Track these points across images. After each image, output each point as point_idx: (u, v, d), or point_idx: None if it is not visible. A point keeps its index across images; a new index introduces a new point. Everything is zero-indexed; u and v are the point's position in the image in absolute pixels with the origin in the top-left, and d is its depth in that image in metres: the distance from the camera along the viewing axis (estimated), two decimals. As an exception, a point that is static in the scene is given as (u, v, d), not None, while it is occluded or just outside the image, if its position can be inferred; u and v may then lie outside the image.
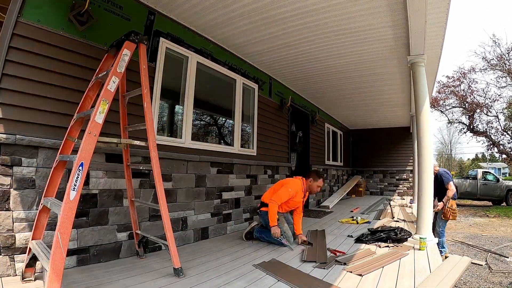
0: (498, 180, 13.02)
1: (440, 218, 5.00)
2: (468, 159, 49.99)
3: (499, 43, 15.65)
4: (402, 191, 11.56)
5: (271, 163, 5.71)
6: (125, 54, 2.38)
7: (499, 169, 39.30)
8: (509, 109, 16.24)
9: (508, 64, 15.39)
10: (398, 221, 5.35)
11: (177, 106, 4.26)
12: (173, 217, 3.55)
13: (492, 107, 16.88)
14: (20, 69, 2.35)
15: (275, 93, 6.06)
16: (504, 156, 18.30)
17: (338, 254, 3.27)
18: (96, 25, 2.82)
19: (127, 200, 3.04)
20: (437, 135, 45.56)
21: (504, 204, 12.72)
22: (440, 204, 4.89)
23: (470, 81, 17.06)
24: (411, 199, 8.50)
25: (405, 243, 3.74)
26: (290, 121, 6.71)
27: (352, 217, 5.87)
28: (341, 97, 7.48)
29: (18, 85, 2.34)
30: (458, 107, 18.23)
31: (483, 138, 17.65)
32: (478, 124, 17.71)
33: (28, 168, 2.37)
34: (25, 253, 2.30)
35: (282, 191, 3.75)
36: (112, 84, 2.22)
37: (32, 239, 2.17)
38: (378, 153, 12.20)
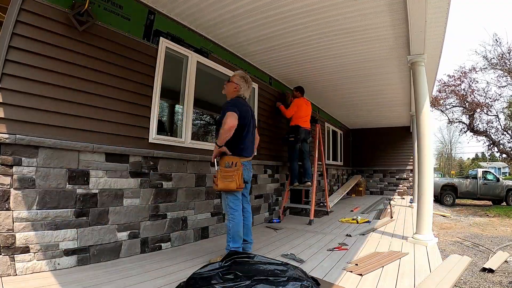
0: (498, 180, 13.02)
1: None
2: (468, 158, 50.02)
3: (500, 42, 15.55)
4: (402, 190, 11.57)
5: (272, 162, 5.71)
6: None
7: (499, 168, 39.32)
8: (510, 109, 16.22)
9: (509, 63, 15.37)
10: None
11: (177, 106, 4.26)
12: (173, 216, 3.55)
13: (492, 107, 16.87)
14: (20, 68, 2.35)
15: (276, 92, 6.05)
16: (504, 155, 18.28)
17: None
18: (96, 25, 2.82)
19: (127, 199, 3.05)
20: (437, 135, 45.63)
21: (504, 203, 12.72)
22: None
23: (470, 81, 17.04)
24: (411, 199, 8.51)
25: (405, 242, 3.74)
26: (290, 120, 6.69)
27: (352, 216, 5.88)
28: (341, 97, 7.48)
29: (18, 84, 2.34)
30: (458, 106, 18.21)
31: (483, 137, 17.63)
32: (478, 124, 17.70)
33: (28, 167, 2.37)
34: (25, 252, 2.31)
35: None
36: None
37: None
38: (378, 153, 12.20)
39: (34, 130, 2.41)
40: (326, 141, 9.29)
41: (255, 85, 5.34)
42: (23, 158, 2.34)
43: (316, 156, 5.97)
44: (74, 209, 2.63)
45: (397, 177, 11.82)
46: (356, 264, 2.88)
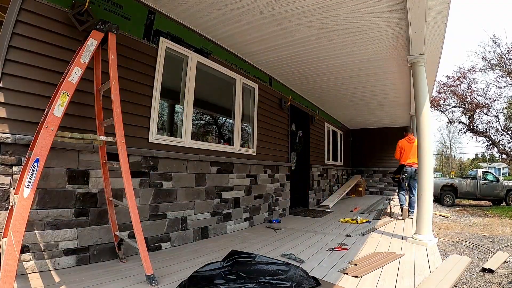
0: (498, 180, 13.02)
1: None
2: (468, 159, 50.00)
3: (499, 43, 15.53)
4: (402, 191, 11.55)
5: (271, 162, 5.71)
6: (91, 43, 2.23)
7: (499, 169, 39.31)
8: (509, 109, 16.22)
9: (508, 64, 15.37)
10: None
11: (177, 106, 4.26)
12: (172, 216, 3.55)
13: (492, 107, 16.85)
14: (20, 68, 2.35)
15: (275, 93, 6.06)
16: (504, 156, 18.27)
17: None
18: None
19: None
20: (437, 135, 45.62)
21: (504, 204, 12.72)
22: None
23: (470, 81, 17.04)
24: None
25: (406, 242, 3.74)
26: (290, 120, 6.71)
27: (352, 216, 5.88)
28: (341, 97, 7.48)
29: (18, 84, 2.34)
30: (458, 107, 18.21)
31: (483, 138, 17.62)
32: (478, 124, 17.69)
33: (28, 167, 2.36)
34: (25, 252, 2.31)
35: None
36: (74, 75, 2.08)
37: (2, 237, 2.09)
38: (378, 153, 12.19)
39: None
40: (326, 141, 9.30)
41: (255, 85, 5.34)
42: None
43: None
44: (74, 209, 2.63)
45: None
46: (355, 264, 2.87)
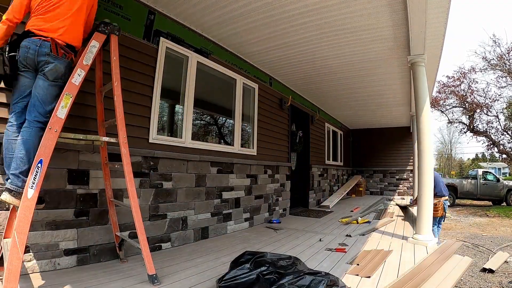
0: (498, 180, 13.02)
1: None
2: (468, 159, 50.01)
3: (499, 43, 15.53)
4: (402, 190, 11.57)
5: (271, 162, 5.71)
6: (93, 45, 2.23)
7: (499, 169, 39.30)
8: (509, 109, 16.22)
9: (508, 64, 15.36)
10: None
11: (177, 106, 4.26)
12: (173, 216, 3.55)
13: (492, 107, 16.85)
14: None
15: (275, 93, 6.06)
16: (504, 156, 18.27)
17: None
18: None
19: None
20: (437, 135, 45.64)
21: (504, 204, 12.72)
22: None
23: (470, 81, 17.04)
24: (411, 199, 8.50)
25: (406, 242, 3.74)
26: (290, 120, 6.71)
27: (352, 216, 5.88)
28: (341, 97, 7.48)
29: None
30: (458, 107, 18.21)
31: (483, 138, 17.62)
32: (478, 124, 17.69)
33: (28, 167, 2.36)
34: (25, 252, 2.30)
35: None
36: (77, 77, 2.08)
37: (4, 238, 2.06)
38: (378, 153, 12.20)
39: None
40: (326, 141, 9.30)
41: (255, 85, 5.34)
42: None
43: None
44: (74, 209, 2.63)
45: (397, 177, 11.82)
46: (357, 264, 2.88)
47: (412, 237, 3.83)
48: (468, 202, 14.14)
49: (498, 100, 16.54)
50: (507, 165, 34.29)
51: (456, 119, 18.83)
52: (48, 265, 2.44)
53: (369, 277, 2.55)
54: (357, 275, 2.59)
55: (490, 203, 13.36)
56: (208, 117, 6.28)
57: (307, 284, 1.91)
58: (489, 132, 17.18)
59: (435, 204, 4.73)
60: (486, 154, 38.14)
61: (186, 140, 3.82)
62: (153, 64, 3.41)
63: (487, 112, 17.07)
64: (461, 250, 6.01)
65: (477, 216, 10.55)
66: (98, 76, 2.69)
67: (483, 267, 4.78)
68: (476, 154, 49.25)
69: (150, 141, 3.33)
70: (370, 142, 12.31)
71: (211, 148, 4.27)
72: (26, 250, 2.32)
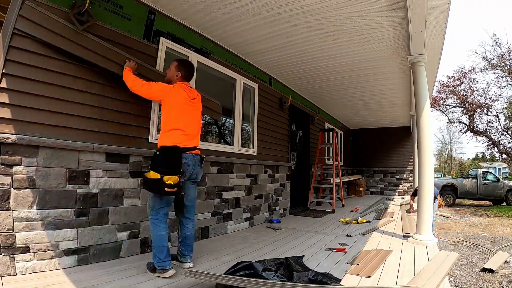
0: (498, 180, 13.02)
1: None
2: (468, 158, 49.97)
3: (499, 43, 15.53)
4: (402, 190, 11.57)
5: (272, 162, 5.71)
6: None
7: (499, 169, 39.28)
8: (509, 109, 16.21)
9: (509, 64, 15.36)
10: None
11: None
12: (172, 216, 3.55)
13: (492, 107, 16.85)
14: (20, 68, 2.35)
15: (275, 93, 6.06)
16: (504, 156, 18.27)
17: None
18: (96, 25, 2.82)
19: (127, 199, 3.05)
20: (437, 135, 45.61)
21: (504, 204, 12.72)
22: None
23: (470, 81, 17.04)
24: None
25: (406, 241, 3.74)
26: (290, 120, 6.70)
27: (352, 216, 5.88)
28: (341, 97, 7.48)
29: (18, 84, 2.34)
30: (458, 107, 18.21)
31: (483, 137, 17.62)
32: (478, 124, 17.69)
33: (29, 167, 2.36)
34: (25, 252, 2.31)
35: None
36: None
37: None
38: (378, 153, 12.20)
39: (35, 130, 2.41)
40: (326, 141, 9.29)
41: (255, 85, 5.34)
42: (23, 158, 2.34)
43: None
44: (74, 209, 2.62)
45: (397, 177, 11.83)
46: (357, 264, 2.88)
47: (412, 237, 3.83)
48: (468, 202, 14.14)
49: (498, 100, 16.55)
50: (507, 165, 34.26)
51: (456, 119, 18.84)
52: (48, 265, 2.43)
53: (369, 277, 2.55)
54: (357, 275, 2.59)
55: (490, 203, 13.36)
56: (208, 117, 6.28)
57: None
58: (489, 132, 17.18)
59: None
60: (486, 154, 38.13)
61: (186, 140, 3.81)
62: (153, 64, 3.41)
63: (487, 112, 17.07)
64: (461, 250, 6.01)
65: (477, 216, 10.55)
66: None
67: (483, 267, 4.78)
68: (476, 154, 49.23)
69: (150, 141, 3.32)
70: (370, 142, 12.31)
71: (211, 148, 4.27)
72: (26, 250, 2.32)
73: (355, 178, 10.88)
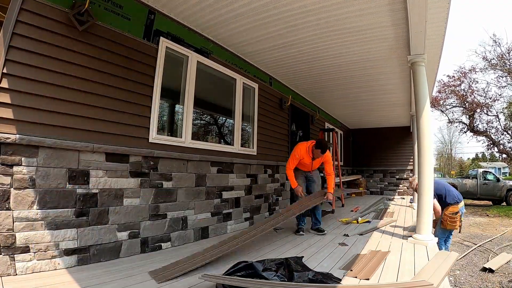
0: (498, 180, 13.02)
1: (439, 226, 4.30)
2: (468, 158, 50.01)
3: (499, 43, 15.56)
4: (402, 190, 11.57)
5: (272, 162, 5.71)
6: None
7: (499, 168, 39.32)
8: (509, 109, 16.22)
9: (509, 63, 15.37)
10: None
11: (177, 106, 4.26)
12: (173, 216, 3.55)
13: (492, 107, 16.88)
14: (20, 68, 2.35)
15: (275, 92, 6.06)
16: (504, 155, 18.30)
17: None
18: (96, 25, 2.82)
19: (127, 199, 3.05)
20: (437, 135, 45.64)
21: (504, 203, 12.72)
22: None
23: (470, 81, 17.06)
24: (411, 199, 8.50)
25: (406, 241, 3.74)
26: (290, 120, 6.71)
27: (352, 216, 5.87)
28: (342, 96, 7.48)
29: (18, 84, 2.34)
30: (458, 106, 18.23)
31: (483, 137, 17.64)
32: (478, 124, 17.71)
33: (29, 167, 2.37)
34: (25, 252, 2.31)
35: (290, 157, 4.35)
36: None
37: None
38: (378, 153, 12.20)
39: (35, 130, 2.41)
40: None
41: (255, 85, 5.34)
42: (23, 158, 2.34)
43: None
44: (74, 209, 2.63)
45: (397, 177, 11.82)
46: (357, 266, 2.87)
47: (412, 237, 3.83)
48: (468, 201, 14.13)
49: (498, 100, 16.58)
50: (507, 165, 34.28)
51: (456, 119, 18.86)
52: (48, 265, 2.44)
53: (367, 279, 2.55)
54: (356, 277, 2.59)
55: (490, 202, 13.36)
56: (208, 117, 6.28)
57: None
58: (489, 131, 17.20)
59: (454, 213, 4.07)
60: (486, 154, 38.15)
61: (186, 140, 3.82)
62: (153, 64, 3.41)
63: (487, 111, 17.09)
64: (461, 249, 6.01)
65: (477, 216, 10.55)
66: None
67: (483, 267, 4.78)
68: (476, 154, 49.27)
69: (150, 141, 3.33)
70: (370, 142, 12.31)
71: (211, 148, 4.27)
72: (26, 250, 2.32)
73: (355, 178, 10.88)
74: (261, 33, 4.04)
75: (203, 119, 6.27)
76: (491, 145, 17.77)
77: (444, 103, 18.46)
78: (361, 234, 4.31)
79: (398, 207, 7.56)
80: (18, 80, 2.34)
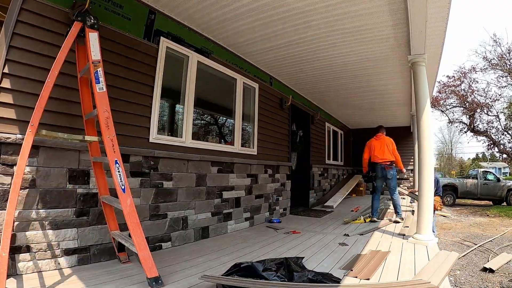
0: (498, 180, 13.00)
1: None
2: (469, 158, 49.94)
3: (499, 43, 15.51)
4: (402, 190, 11.54)
5: (272, 162, 5.71)
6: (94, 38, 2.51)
7: (500, 168, 39.28)
8: (510, 109, 16.20)
9: (509, 63, 15.34)
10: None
11: (177, 105, 4.26)
12: (173, 216, 3.55)
13: (492, 107, 16.84)
14: (21, 68, 2.35)
15: (276, 92, 6.06)
16: (504, 155, 18.26)
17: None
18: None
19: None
20: (438, 135, 45.57)
21: (504, 203, 12.70)
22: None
23: (470, 81, 17.02)
24: (411, 199, 8.49)
25: (407, 241, 3.74)
26: (291, 120, 6.70)
27: (353, 216, 5.87)
28: (342, 97, 7.48)
29: (18, 84, 2.34)
30: (458, 106, 18.20)
31: (484, 137, 17.61)
32: (478, 124, 17.68)
33: (29, 167, 2.37)
34: (26, 252, 2.32)
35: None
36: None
37: (110, 230, 2.68)
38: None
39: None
40: (327, 141, 9.30)
41: (256, 85, 5.34)
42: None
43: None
44: (74, 209, 2.63)
45: (397, 177, 11.79)
46: (358, 264, 2.87)
47: (413, 237, 3.83)
48: (469, 201, 14.13)
49: (498, 100, 16.54)
50: (507, 165, 34.26)
51: (457, 119, 18.83)
52: (48, 265, 2.44)
53: (368, 279, 2.55)
54: (356, 277, 2.59)
55: (491, 202, 13.34)
56: (209, 117, 6.27)
57: None
58: (490, 132, 17.17)
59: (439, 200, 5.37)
60: (487, 154, 38.13)
61: (186, 139, 3.82)
62: (154, 63, 3.41)
63: (488, 112, 17.06)
64: (461, 250, 6.01)
65: (478, 216, 10.54)
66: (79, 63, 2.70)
67: (484, 267, 4.77)
68: (477, 154, 49.20)
69: (150, 141, 3.33)
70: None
71: (212, 148, 4.27)
72: (26, 250, 2.32)
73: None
74: (261, 33, 4.03)
75: (204, 119, 6.27)
76: (492, 145, 17.75)
77: (444, 103, 18.43)
78: (362, 234, 4.31)
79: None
80: (18, 80, 2.34)
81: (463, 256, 5.54)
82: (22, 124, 2.34)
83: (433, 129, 38.24)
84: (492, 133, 17.13)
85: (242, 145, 4.96)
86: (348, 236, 4.21)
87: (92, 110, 2.65)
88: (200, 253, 3.28)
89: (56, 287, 2.16)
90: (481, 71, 16.45)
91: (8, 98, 2.29)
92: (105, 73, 2.86)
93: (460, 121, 18.71)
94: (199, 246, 3.61)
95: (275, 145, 5.92)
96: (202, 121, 6.17)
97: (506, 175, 36.16)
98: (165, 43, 3.54)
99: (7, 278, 2.10)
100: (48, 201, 2.46)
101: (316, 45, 4.38)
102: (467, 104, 17.42)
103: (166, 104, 4.52)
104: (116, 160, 2.32)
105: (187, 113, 3.86)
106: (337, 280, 2.42)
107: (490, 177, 13.15)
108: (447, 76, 19.35)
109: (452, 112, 18.72)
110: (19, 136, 2.30)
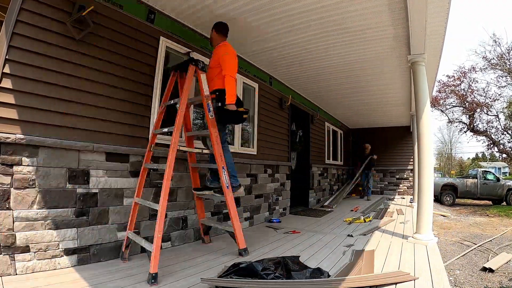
0: (498, 180, 13.00)
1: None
2: (468, 158, 50.00)
3: (499, 42, 15.52)
4: (402, 190, 11.56)
5: (272, 162, 5.71)
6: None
7: (499, 168, 39.33)
8: (510, 109, 16.20)
9: (509, 63, 15.35)
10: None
11: (177, 105, 4.26)
12: (173, 216, 3.55)
13: (492, 107, 16.85)
14: (20, 68, 2.35)
15: (276, 92, 6.05)
16: (504, 155, 18.28)
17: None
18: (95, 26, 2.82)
19: (127, 199, 3.05)
20: (437, 134, 45.57)
21: (504, 203, 12.71)
22: None
23: (470, 81, 17.04)
24: (411, 199, 8.51)
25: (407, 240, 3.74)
26: (290, 120, 6.71)
27: (354, 216, 5.88)
28: (342, 96, 7.48)
29: (18, 84, 2.34)
30: (458, 106, 18.21)
31: (483, 137, 17.62)
32: (478, 124, 17.69)
33: (29, 167, 2.37)
34: (25, 252, 2.32)
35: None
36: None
37: (128, 230, 2.87)
38: (378, 152, 12.15)
39: (35, 129, 2.41)
40: (327, 141, 9.30)
41: (255, 85, 5.34)
42: (23, 158, 2.34)
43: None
44: (74, 209, 2.63)
45: (397, 177, 11.81)
46: (357, 264, 2.87)
47: (412, 237, 3.83)
48: (468, 201, 14.13)
49: (498, 99, 16.55)
50: (507, 165, 34.29)
51: (456, 119, 18.85)
52: (48, 265, 2.44)
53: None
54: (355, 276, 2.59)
55: (490, 202, 13.35)
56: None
57: None
58: (489, 131, 17.18)
59: None
60: (486, 154, 38.13)
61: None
62: (153, 63, 3.41)
63: (487, 111, 17.08)
64: (461, 249, 6.01)
65: (477, 216, 10.54)
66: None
67: (483, 266, 4.78)
68: (476, 154, 49.26)
69: (150, 141, 3.32)
70: (370, 142, 12.23)
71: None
72: (26, 250, 2.32)
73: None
74: (261, 32, 4.03)
75: (201, 118, 6.27)
76: (491, 145, 17.76)
77: (444, 102, 18.44)
78: (362, 234, 4.31)
79: (398, 207, 7.56)
80: (18, 79, 2.34)
81: (463, 255, 5.55)
82: (22, 124, 2.34)
83: (433, 128, 38.26)
84: (492, 133, 17.15)
85: (242, 145, 4.96)
86: (348, 236, 4.21)
87: (191, 129, 3.62)
88: (199, 252, 3.28)
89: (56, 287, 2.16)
90: (481, 70, 16.47)
91: (8, 98, 2.28)
92: (105, 73, 2.88)
93: (459, 121, 18.73)
94: (199, 245, 3.61)
95: (274, 145, 5.92)
96: (201, 121, 6.18)
97: (506, 175, 36.20)
98: (164, 43, 3.54)
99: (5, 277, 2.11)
100: (48, 201, 2.46)
101: (315, 45, 4.38)
102: (466, 103, 17.43)
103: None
104: (223, 167, 3.12)
105: (187, 113, 3.85)
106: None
107: (490, 176, 13.15)
108: (447, 76, 19.41)
109: (452, 112, 18.75)
110: (19, 136, 2.30)
